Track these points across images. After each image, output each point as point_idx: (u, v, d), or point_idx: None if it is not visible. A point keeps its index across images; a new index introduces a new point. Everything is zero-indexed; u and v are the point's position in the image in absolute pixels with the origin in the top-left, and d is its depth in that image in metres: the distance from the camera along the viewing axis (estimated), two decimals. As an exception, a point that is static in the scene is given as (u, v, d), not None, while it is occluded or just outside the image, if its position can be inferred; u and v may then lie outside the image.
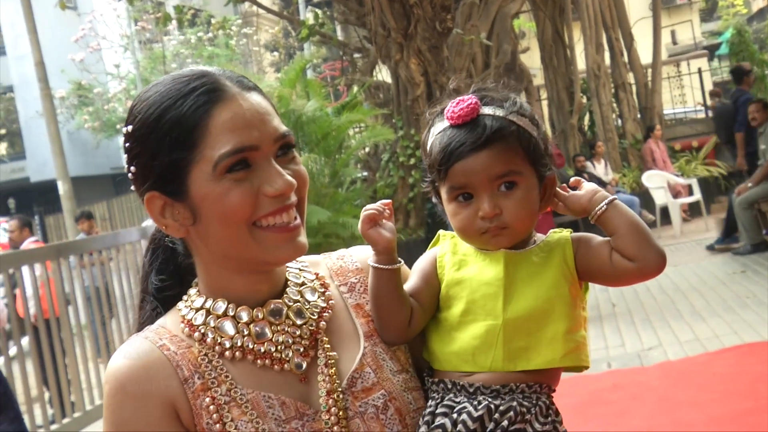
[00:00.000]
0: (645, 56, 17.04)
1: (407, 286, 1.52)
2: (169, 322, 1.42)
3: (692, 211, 14.67)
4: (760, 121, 11.90)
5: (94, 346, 8.28)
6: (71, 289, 7.79)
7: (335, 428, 1.35)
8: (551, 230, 1.53)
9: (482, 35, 13.37)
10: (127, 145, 1.39)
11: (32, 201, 30.22)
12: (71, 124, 28.17)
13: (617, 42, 16.42)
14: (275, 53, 32.68)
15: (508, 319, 1.43)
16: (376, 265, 1.46)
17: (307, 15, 20.07)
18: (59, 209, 24.30)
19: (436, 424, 1.39)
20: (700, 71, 19.52)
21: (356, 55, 16.41)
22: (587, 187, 1.50)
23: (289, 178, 1.33)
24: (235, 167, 1.31)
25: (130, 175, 1.39)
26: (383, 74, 16.05)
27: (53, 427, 7.01)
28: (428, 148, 1.51)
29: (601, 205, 1.46)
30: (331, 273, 1.55)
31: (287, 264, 1.50)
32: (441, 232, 1.59)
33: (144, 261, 1.53)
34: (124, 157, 1.41)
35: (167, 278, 1.50)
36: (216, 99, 1.32)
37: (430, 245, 1.60)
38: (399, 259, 1.48)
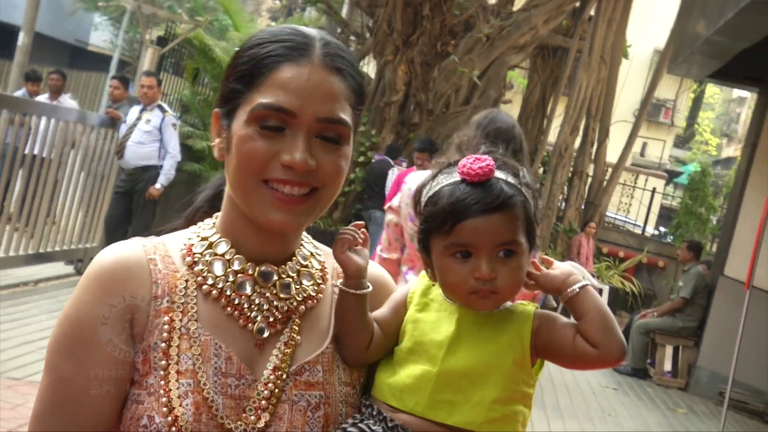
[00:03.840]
0: (611, 155, 17.29)
1: (378, 313, 1.52)
2: (171, 243, 1.45)
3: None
4: (684, 260, 12.18)
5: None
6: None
7: (263, 402, 1.35)
8: (518, 301, 1.53)
9: (475, 72, 13.44)
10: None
11: (-13, 38, 29.44)
12: (55, -17, 27.53)
13: (592, 132, 16.61)
14: (277, 1, 32.38)
15: (443, 369, 1.43)
16: (345, 288, 1.46)
17: (323, -19, 19.90)
18: (9, 57, 23.73)
19: None
20: (654, 191, 19.91)
21: (352, 38, 16.35)
22: (561, 267, 1.51)
23: (306, 157, 1.34)
24: (270, 124, 1.34)
25: None
26: (369, 68, 16.03)
27: None
28: (432, 197, 1.49)
29: (574, 288, 1.46)
30: (334, 272, 1.55)
31: (303, 243, 1.52)
32: (422, 272, 1.58)
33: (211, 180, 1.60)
34: None
35: (210, 197, 1.58)
36: (292, 58, 1.36)
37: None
38: (368, 284, 1.48)
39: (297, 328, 1.44)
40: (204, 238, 1.44)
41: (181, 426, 1.29)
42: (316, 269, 1.51)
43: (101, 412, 1.32)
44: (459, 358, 1.43)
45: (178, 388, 1.31)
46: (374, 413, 1.44)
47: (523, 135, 4.37)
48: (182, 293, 1.37)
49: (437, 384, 1.42)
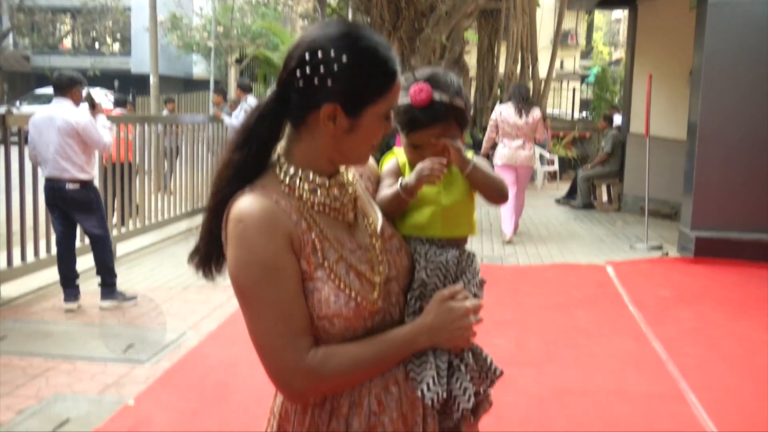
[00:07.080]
0: (542, 72, 16.87)
1: (388, 184, 1.47)
2: (268, 184, 1.30)
3: (551, 176, 14.76)
4: (602, 128, 11.98)
5: (158, 184, 8.20)
6: (149, 145, 7.64)
7: (379, 257, 1.34)
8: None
9: (443, 37, 13.11)
10: (332, 65, 1.21)
11: (130, 85, 29.55)
12: (164, 40, 27.16)
13: (527, 59, 16.20)
14: (305, 20, 31.71)
15: (444, 206, 1.44)
16: (406, 197, 1.42)
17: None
18: (147, 93, 23.70)
19: (437, 260, 1.39)
20: (574, 90, 19.46)
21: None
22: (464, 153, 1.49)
23: None
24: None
25: (317, 82, 1.22)
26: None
27: (122, 230, 6.95)
28: (398, 108, 1.43)
29: (470, 166, 1.46)
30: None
31: None
32: (395, 148, 1.56)
33: (248, 118, 1.33)
34: (306, 68, 1.22)
35: (274, 134, 1.33)
36: (398, 72, 1.27)
37: (387, 156, 1.56)
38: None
39: (363, 208, 1.39)
40: (292, 175, 1.31)
41: (357, 292, 1.27)
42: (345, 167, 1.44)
43: (304, 305, 1.25)
44: (449, 197, 1.46)
45: (340, 271, 1.27)
46: (423, 242, 1.43)
47: (525, 89, 7.62)
48: (307, 215, 1.28)
49: (444, 216, 1.44)
